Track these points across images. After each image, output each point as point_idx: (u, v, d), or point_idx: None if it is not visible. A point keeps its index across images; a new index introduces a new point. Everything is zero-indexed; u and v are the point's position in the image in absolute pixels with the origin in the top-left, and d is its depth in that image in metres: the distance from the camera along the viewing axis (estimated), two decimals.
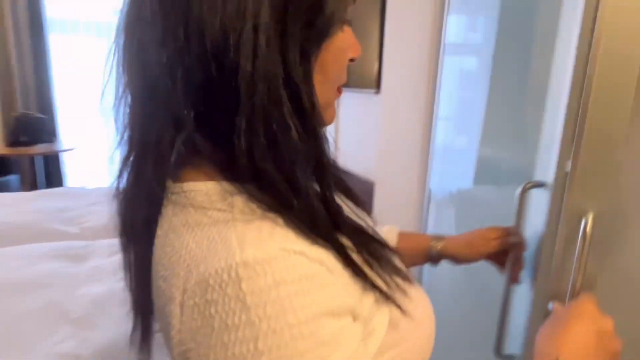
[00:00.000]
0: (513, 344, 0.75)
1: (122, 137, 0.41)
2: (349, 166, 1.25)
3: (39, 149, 3.52)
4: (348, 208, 0.50)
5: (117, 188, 0.43)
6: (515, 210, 0.71)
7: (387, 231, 0.74)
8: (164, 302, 0.39)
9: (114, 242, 1.83)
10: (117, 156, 0.42)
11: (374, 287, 0.40)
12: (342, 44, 0.42)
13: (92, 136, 4.21)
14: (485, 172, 1.03)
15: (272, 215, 0.37)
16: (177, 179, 0.41)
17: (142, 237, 0.42)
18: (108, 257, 1.70)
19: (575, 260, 0.59)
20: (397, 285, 0.43)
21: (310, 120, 0.38)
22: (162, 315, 0.40)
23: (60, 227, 2.05)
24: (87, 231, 2.06)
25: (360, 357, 0.37)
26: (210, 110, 0.38)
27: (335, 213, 0.41)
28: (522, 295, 0.72)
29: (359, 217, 0.47)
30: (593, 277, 0.61)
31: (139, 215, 0.42)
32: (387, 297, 0.41)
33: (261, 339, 0.32)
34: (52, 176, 4.08)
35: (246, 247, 0.34)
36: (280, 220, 0.37)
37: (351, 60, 0.45)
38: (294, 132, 0.37)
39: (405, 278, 0.45)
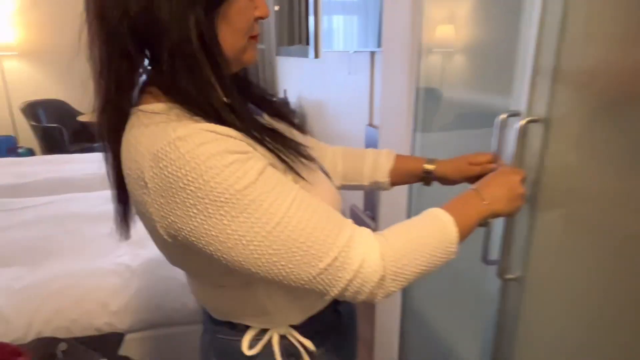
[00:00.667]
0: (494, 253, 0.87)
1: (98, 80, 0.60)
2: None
3: None
4: (282, 127, 0.68)
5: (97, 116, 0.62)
6: (496, 139, 0.81)
7: (386, 153, 0.88)
8: (135, 189, 0.54)
9: None
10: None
11: (279, 158, 0.57)
12: (244, 5, 0.59)
13: None
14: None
15: (196, 118, 0.54)
16: (137, 103, 0.61)
17: (113, 145, 0.60)
18: None
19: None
20: (301, 162, 0.60)
21: (215, 55, 0.56)
22: (139, 201, 0.55)
23: None
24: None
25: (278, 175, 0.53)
26: (152, 51, 0.57)
27: (242, 117, 0.57)
28: None
29: (291, 134, 0.65)
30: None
31: (111, 130, 0.60)
32: (289, 167, 0.58)
33: (204, 174, 0.48)
34: None
35: (178, 130, 0.51)
36: (201, 120, 0.54)
37: (260, 18, 0.62)
38: (203, 63, 0.55)
39: (309, 161, 0.62)
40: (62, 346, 1.01)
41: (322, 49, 3.13)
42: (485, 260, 0.89)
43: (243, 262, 0.52)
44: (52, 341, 1.02)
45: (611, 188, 0.67)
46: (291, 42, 4.01)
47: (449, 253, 0.59)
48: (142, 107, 0.57)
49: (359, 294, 0.54)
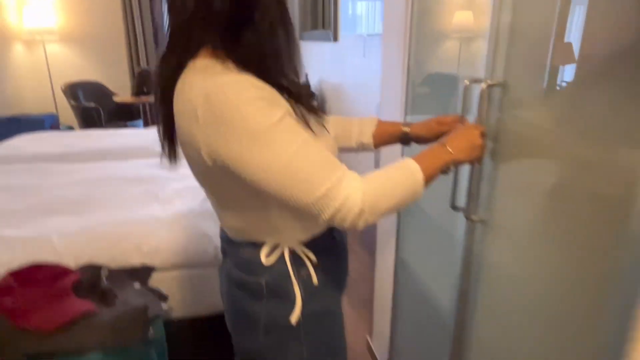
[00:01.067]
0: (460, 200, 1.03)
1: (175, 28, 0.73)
2: None
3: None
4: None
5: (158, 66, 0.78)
6: (461, 103, 0.97)
7: (370, 119, 1.05)
8: (185, 122, 0.69)
9: None
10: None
11: (294, 111, 0.73)
12: None
13: None
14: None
15: (241, 71, 0.70)
16: (195, 57, 0.72)
17: (167, 90, 0.76)
18: None
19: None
20: (310, 117, 0.77)
21: (289, 32, 0.75)
22: (187, 133, 0.70)
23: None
24: (181, 153, 2.68)
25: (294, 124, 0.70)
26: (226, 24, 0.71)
27: (278, 80, 0.74)
28: None
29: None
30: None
31: (168, 77, 0.76)
32: (302, 118, 0.74)
33: (242, 114, 0.64)
34: None
35: (225, 78, 0.67)
36: (244, 72, 0.70)
37: None
38: (281, 37, 0.73)
39: (317, 117, 0.79)
40: (105, 272, 1.24)
41: (341, 32, 3.27)
42: (454, 206, 1.05)
43: (261, 183, 0.68)
44: (97, 266, 1.25)
45: (559, 140, 0.78)
46: (314, 27, 4.16)
47: (416, 195, 0.76)
48: (199, 60, 0.73)
49: (344, 221, 0.69)
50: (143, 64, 4.78)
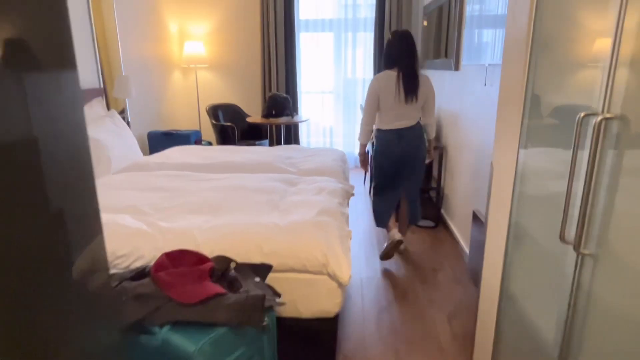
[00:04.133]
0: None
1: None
2: None
3: (282, 120, 4.74)
4: None
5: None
6: (575, 137, 0.99)
7: None
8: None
9: (317, 178, 2.64)
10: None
11: None
12: None
13: (318, 112, 5.34)
14: None
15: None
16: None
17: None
18: (310, 184, 2.49)
19: None
20: None
21: None
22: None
23: (284, 167, 2.99)
24: (301, 171, 2.94)
25: None
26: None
27: None
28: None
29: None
30: None
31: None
32: None
33: None
34: (289, 140, 5.42)
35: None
36: None
37: None
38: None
39: None
40: (233, 264, 1.46)
41: (463, 61, 3.29)
42: (563, 239, 1.04)
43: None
44: (227, 259, 1.48)
45: None
46: (436, 56, 4.22)
47: None
48: None
49: None
50: (274, 89, 5.31)
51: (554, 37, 1.26)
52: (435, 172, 4.24)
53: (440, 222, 3.74)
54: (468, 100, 3.14)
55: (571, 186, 1.02)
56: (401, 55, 2.59)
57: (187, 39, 5.56)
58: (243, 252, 1.69)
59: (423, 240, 3.40)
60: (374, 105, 2.65)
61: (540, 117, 1.34)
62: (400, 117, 2.67)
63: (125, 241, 1.74)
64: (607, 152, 0.92)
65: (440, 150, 3.80)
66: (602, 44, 0.99)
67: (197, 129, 5.76)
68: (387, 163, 2.75)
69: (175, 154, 3.45)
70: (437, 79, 4.32)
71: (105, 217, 1.88)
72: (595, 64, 1.04)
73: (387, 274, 2.82)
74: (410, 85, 2.59)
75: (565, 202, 1.02)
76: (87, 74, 3.61)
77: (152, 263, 1.49)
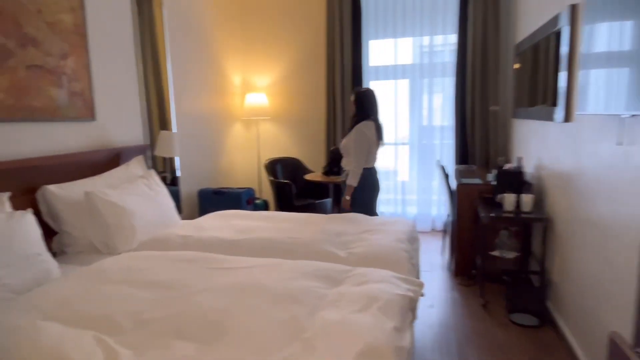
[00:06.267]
0: None
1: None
2: None
3: (343, 178, 4.11)
4: None
5: None
6: None
7: None
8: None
9: (369, 271, 1.89)
10: None
11: None
12: None
13: (390, 165, 4.66)
14: None
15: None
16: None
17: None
18: (357, 285, 1.76)
19: None
20: None
21: None
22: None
23: (332, 249, 2.30)
24: (352, 256, 2.22)
25: None
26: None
27: None
28: None
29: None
30: None
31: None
32: None
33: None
34: None
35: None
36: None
37: None
38: None
39: None
40: None
41: (576, 111, 2.44)
42: None
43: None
44: None
45: None
46: (532, 103, 3.38)
47: None
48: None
49: None
50: (338, 143, 4.74)
51: None
52: (535, 248, 3.26)
53: (546, 321, 2.76)
54: (589, 162, 2.27)
55: None
56: (373, 109, 3.32)
57: (249, 91, 5.29)
58: None
59: (522, 346, 2.45)
60: (366, 150, 3.25)
61: None
62: (375, 157, 3.40)
63: None
64: None
65: (545, 222, 2.87)
66: None
67: (255, 185, 5.34)
68: (374, 195, 3.42)
69: (210, 221, 2.94)
70: (533, 131, 3.45)
71: (52, 340, 1.31)
72: None
73: None
74: (380, 132, 3.37)
75: None
76: (130, 129, 3.31)
77: None
